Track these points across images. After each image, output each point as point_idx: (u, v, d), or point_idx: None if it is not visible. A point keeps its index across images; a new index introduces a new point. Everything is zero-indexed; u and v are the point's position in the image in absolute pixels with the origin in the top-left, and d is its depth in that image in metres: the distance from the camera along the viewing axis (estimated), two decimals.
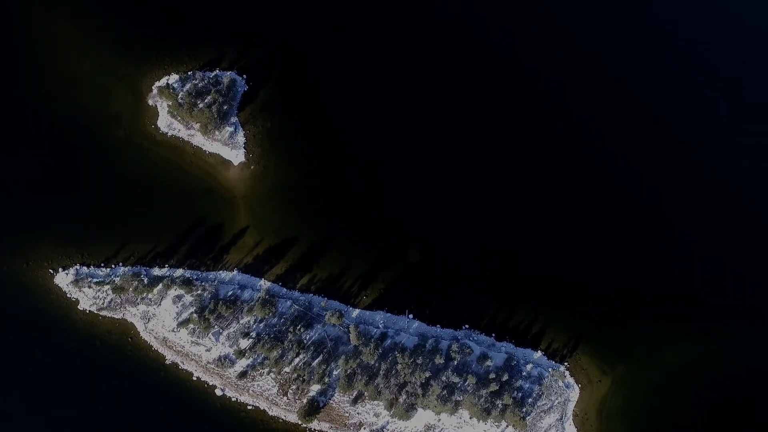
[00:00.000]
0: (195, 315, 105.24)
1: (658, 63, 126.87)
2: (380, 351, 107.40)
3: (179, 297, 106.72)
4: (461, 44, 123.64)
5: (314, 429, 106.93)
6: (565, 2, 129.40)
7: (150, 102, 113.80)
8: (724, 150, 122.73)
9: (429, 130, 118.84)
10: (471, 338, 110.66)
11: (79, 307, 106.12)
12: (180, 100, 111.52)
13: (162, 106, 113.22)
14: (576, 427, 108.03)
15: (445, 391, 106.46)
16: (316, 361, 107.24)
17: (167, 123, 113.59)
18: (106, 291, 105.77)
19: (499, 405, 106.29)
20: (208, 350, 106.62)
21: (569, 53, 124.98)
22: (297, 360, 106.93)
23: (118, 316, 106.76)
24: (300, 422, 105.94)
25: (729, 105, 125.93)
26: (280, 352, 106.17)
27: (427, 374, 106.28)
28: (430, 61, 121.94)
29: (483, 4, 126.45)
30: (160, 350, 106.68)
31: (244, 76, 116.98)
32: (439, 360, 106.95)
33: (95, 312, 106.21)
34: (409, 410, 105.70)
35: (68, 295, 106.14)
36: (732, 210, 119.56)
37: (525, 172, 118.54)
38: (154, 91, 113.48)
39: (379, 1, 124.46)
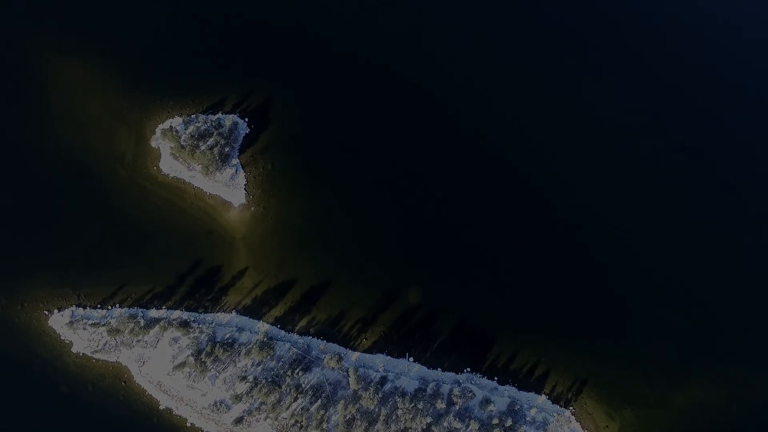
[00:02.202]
0: (191, 358, 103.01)
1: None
2: (380, 395, 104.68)
3: (176, 339, 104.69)
4: (460, 87, 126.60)
5: None
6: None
7: (153, 144, 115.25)
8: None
9: (429, 172, 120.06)
10: (473, 382, 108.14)
11: (72, 349, 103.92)
12: (182, 143, 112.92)
13: (165, 147, 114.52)
14: None
15: None
16: (315, 406, 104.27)
17: (169, 164, 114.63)
18: (101, 333, 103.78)
19: None
20: (203, 395, 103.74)
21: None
22: (295, 405, 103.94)
23: (112, 359, 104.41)
24: None
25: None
26: (277, 396, 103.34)
27: (429, 419, 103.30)
28: (429, 105, 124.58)
29: (485, 58, 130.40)
30: (154, 395, 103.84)
31: (246, 120, 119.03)
32: (440, 405, 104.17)
33: (89, 355, 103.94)
34: None
35: (62, 338, 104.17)
36: (742, 259, 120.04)
37: (525, 215, 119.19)
38: (158, 133, 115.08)
39: (377, 47, 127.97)
